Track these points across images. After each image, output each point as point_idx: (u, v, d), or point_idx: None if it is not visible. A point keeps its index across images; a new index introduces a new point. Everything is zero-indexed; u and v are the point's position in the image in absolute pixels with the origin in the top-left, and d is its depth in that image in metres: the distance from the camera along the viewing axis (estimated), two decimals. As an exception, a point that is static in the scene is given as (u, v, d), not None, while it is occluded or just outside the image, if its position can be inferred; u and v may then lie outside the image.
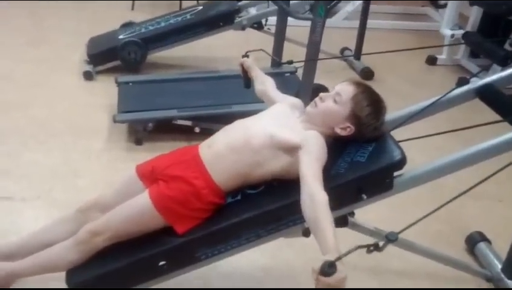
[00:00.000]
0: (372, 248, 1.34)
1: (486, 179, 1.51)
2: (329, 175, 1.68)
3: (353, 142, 1.80)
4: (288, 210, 1.71)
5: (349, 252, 1.29)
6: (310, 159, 1.64)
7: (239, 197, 1.79)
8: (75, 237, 1.78)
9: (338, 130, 1.76)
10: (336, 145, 1.78)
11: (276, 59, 3.51)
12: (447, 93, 1.95)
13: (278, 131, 1.74)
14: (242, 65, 2.19)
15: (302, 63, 3.11)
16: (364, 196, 1.72)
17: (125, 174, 1.93)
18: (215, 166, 1.75)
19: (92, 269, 1.77)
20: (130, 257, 1.74)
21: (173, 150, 1.93)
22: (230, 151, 1.75)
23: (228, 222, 1.73)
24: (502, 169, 1.54)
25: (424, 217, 1.47)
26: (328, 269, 1.29)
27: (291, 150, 1.70)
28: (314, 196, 1.52)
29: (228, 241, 1.74)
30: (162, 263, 1.72)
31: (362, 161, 1.73)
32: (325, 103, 1.78)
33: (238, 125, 1.86)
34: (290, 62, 2.40)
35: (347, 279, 1.31)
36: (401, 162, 1.71)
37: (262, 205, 1.74)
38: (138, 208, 1.75)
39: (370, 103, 1.76)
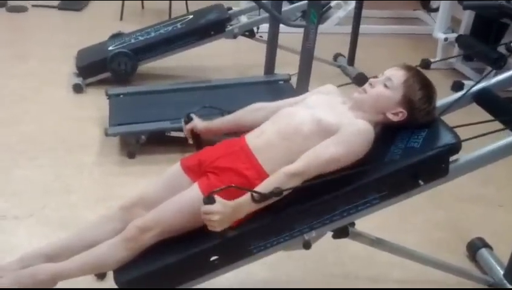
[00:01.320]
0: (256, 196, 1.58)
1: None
2: (383, 162, 1.67)
3: (405, 128, 1.77)
4: (342, 200, 1.69)
5: (221, 190, 1.56)
6: (332, 142, 1.64)
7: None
8: (122, 234, 1.74)
9: (390, 116, 1.74)
10: (388, 133, 1.76)
11: (270, 60, 3.48)
12: (453, 101, 1.92)
13: (326, 116, 1.72)
14: (191, 131, 2.10)
15: (296, 70, 3.07)
16: (421, 182, 1.68)
17: (169, 169, 1.91)
18: (266, 155, 1.73)
19: (141, 267, 1.74)
20: (181, 252, 1.71)
21: (217, 143, 1.91)
22: (281, 139, 1.74)
23: (281, 213, 1.70)
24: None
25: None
26: (206, 199, 1.55)
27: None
28: (286, 166, 1.61)
29: (281, 233, 1.71)
30: (214, 257, 1.69)
31: (417, 147, 1.70)
32: (375, 89, 1.77)
33: (285, 113, 1.83)
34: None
35: (220, 219, 1.54)
36: (457, 147, 1.67)
37: (315, 195, 1.69)
38: (188, 202, 1.72)
39: (422, 87, 1.75)
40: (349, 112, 1.77)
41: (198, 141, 2.09)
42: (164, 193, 1.81)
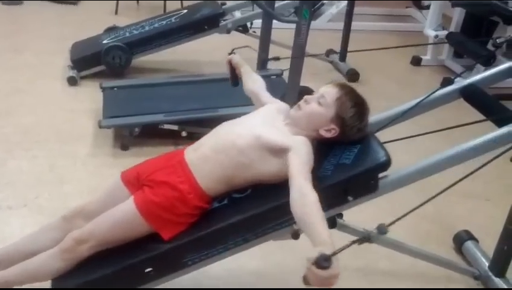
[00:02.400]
0: (363, 240, 1.40)
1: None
2: (315, 177, 1.67)
3: (339, 144, 1.81)
4: (275, 213, 1.71)
5: (345, 247, 1.30)
6: (300, 161, 1.63)
7: (225, 202, 1.78)
8: (60, 245, 1.75)
9: (323, 132, 1.76)
10: (322, 148, 1.78)
11: (263, 55, 3.51)
12: (431, 94, 1.96)
13: (266, 131, 1.74)
14: (229, 62, 2.19)
15: (288, 66, 3.10)
16: (350, 198, 1.73)
17: (110, 181, 1.91)
18: (201, 169, 1.74)
19: (77, 277, 1.75)
20: (116, 264, 1.73)
21: (159, 155, 1.92)
22: (215, 153, 1.74)
23: (215, 226, 1.72)
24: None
25: (413, 210, 1.52)
26: (324, 262, 1.28)
27: (279, 151, 1.69)
28: (304, 193, 1.52)
29: (215, 246, 1.73)
30: (148, 269, 1.71)
31: (348, 163, 1.73)
32: (309, 106, 1.78)
33: (224, 127, 1.86)
34: (277, 58, 2.40)
35: (338, 279, 1.29)
36: (386, 164, 1.71)
37: (249, 208, 1.73)
38: (123, 215, 1.73)
39: (354, 105, 1.77)
40: (286, 128, 1.79)
41: (233, 74, 2.20)
42: (104, 205, 1.81)
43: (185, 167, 1.76)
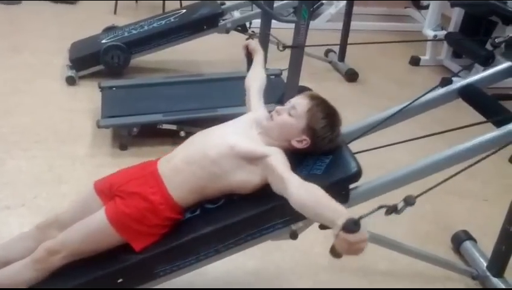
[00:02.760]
0: (390, 210, 1.36)
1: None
2: None
3: (311, 155, 1.80)
4: (247, 225, 1.71)
5: (372, 212, 1.30)
6: (283, 163, 1.65)
7: (198, 212, 1.77)
8: (32, 255, 1.74)
9: (294, 143, 1.76)
10: (294, 159, 1.77)
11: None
12: (428, 92, 1.96)
13: (240, 141, 1.74)
14: (246, 47, 2.19)
15: (287, 66, 3.11)
16: None
17: (84, 190, 1.90)
18: (173, 180, 1.73)
19: (50, 288, 1.75)
20: (88, 275, 1.72)
21: (133, 165, 1.91)
22: (187, 163, 1.73)
23: (186, 237, 1.71)
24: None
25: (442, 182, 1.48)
26: (353, 225, 1.29)
27: (255, 160, 1.69)
28: (303, 185, 1.53)
29: (187, 257, 1.72)
30: (120, 280, 1.71)
31: (319, 174, 1.72)
32: (281, 117, 1.78)
33: (198, 137, 1.85)
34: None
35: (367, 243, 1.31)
36: (357, 175, 1.71)
37: (221, 220, 1.72)
38: (95, 226, 1.72)
39: (325, 116, 1.76)
40: (259, 137, 1.79)
41: (249, 59, 2.18)
42: (78, 214, 1.80)
43: (157, 178, 1.75)
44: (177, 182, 1.73)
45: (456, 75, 2.01)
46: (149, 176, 1.77)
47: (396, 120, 1.98)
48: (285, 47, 2.51)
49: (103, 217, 1.70)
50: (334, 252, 1.34)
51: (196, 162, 1.72)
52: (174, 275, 1.74)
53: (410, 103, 1.95)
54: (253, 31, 2.23)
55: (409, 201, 1.40)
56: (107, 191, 1.81)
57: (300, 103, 1.78)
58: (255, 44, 2.18)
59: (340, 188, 1.71)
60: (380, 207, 1.32)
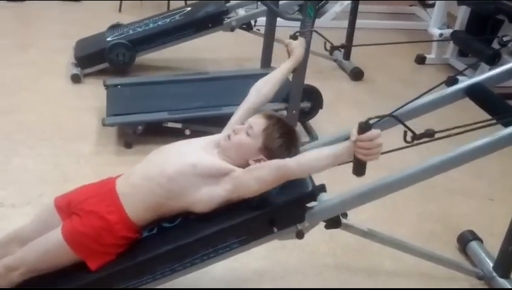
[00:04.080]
0: (409, 138, 1.56)
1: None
2: (240, 208, 1.69)
3: None
4: (203, 244, 1.71)
5: (382, 117, 1.59)
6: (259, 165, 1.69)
7: (154, 231, 1.77)
8: None
9: (251, 163, 1.75)
10: None
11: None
12: (432, 89, 1.96)
13: (202, 159, 1.73)
14: (287, 46, 2.17)
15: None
16: (275, 229, 1.73)
17: (44, 206, 1.89)
18: (130, 199, 1.72)
19: (48, 288, 1.75)
20: None
21: (92, 182, 1.90)
22: (144, 181, 1.72)
23: (142, 257, 1.72)
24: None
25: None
26: (365, 125, 1.48)
27: (220, 176, 1.69)
28: (295, 157, 1.64)
29: (143, 276, 1.73)
30: None
31: (274, 194, 1.72)
32: (238, 136, 1.78)
33: (156, 154, 1.83)
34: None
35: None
36: (312, 194, 1.73)
37: (177, 239, 1.72)
38: (51, 244, 1.71)
39: (281, 135, 1.77)
40: (218, 156, 1.78)
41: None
42: (38, 231, 1.79)
43: (114, 196, 1.73)
44: (134, 200, 1.72)
45: (461, 73, 2.00)
46: (107, 193, 1.75)
47: (403, 118, 1.96)
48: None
49: (59, 236, 1.70)
50: (357, 168, 1.54)
51: (154, 179, 1.71)
52: None
53: (414, 99, 1.95)
54: (296, 34, 2.16)
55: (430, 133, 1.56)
56: (66, 208, 1.79)
57: (257, 123, 1.79)
58: (295, 45, 2.13)
59: (296, 207, 1.74)
60: (394, 116, 1.62)
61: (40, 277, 1.74)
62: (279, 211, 1.72)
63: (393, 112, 1.70)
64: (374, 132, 1.49)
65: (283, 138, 1.77)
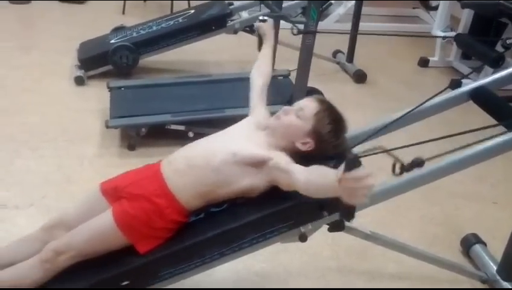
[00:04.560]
0: (398, 169, 1.34)
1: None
2: (290, 193, 1.67)
3: (314, 159, 1.78)
4: (251, 228, 1.71)
5: (371, 153, 1.29)
6: (285, 161, 1.66)
7: (202, 216, 1.78)
8: (39, 255, 1.74)
9: (298, 145, 1.75)
10: (297, 162, 1.75)
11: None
12: (438, 94, 1.95)
13: (242, 147, 1.73)
14: (259, 29, 2.20)
15: (295, 67, 3.10)
16: (326, 213, 1.73)
17: (89, 191, 1.90)
18: (177, 183, 1.73)
19: (57, 288, 1.75)
20: (93, 277, 1.72)
21: (137, 167, 1.91)
22: (190, 168, 1.73)
23: (191, 241, 1.71)
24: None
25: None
26: (353, 161, 1.22)
27: (258, 164, 1.69)
28: (308, 168, 1.55)
29: (191, 260, 1.72)
30: (125, 283, 1.71)
31: None
32: (288, 117, 1.78)
33: (200, 142, 1.85)
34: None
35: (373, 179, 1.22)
36: None
37: (225, 223, 1.72)
38: (101, 227, 1.72)
39: (331, 121, 1.76)
40: (264, 139, 1.79)
41: (260, 42, 2.20)
42: (83, 215, 1.80)
43: (161, 180, 1.74)
44: (182, 186, 1.72)
45: (466, 77, 2.00)
46: (153, 177, 1.76)
47: (406, 122, 1.97)
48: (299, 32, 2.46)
49: (109, 219, 1.70)
50: (343, 211, 1.36)
51: (199, 167, 1.72)
52: (178, 277, 1.74)
53: (420, 105, 1.94)
54: (265, 18, 2.20)
55: (418, 162, 1.37)
56: (113, 192, 1.81)
57: (308, 106, 1.78)
58: (266, 27, 2.17)
59: None
60: (383, 151, 1.32)
61: (88, 261, 1.74)
62: None
63: (391, 120, 1.65)
64: (362, 171, 1.23)
65: (333, 124, 1.76)
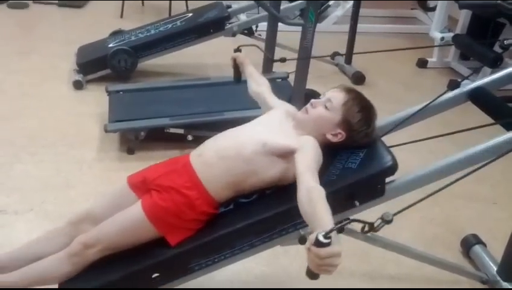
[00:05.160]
0: (367, 228, 1.34)
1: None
2: (321, 182, 1.65)
3: (344, 148, 1.80)
4: (281, 219, 1.70)
5: (342, 224, 1.26)
6: (307, 159, 1.63)
7: (231, 207, 1.78)
8: (67, 249, 1.75)
9: (329, 137, 1.76)
10: (327, 152, 1.76)
11: (269, 56, 3.49)
12: (439, 96, 1.95)
13: (271, 138, 1.73)
14: (234, 60, 2.21)
15: (294, 69, 3.11)
16: (357, 203, 1.72)
17: (117, 185, 1.91)
18: (207, 175, 1.73)
19: (84, 282, 1.74)
20: (123, 269, 1.72)
21: (164, 160, 1.91)
22: (221, 160, 1.73)
23: (221, 232, 1.71)
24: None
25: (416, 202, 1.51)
26: (323, 238, 1.17)
27: (287, 155, 1.68)
28: (311, 189, 1.47)
29: (221, 251, 1.72)
30: (155, 275, 1.70)
31: (353, 168, 1.72)
32: (316, 110, 1.78)
33: (229, 133, 1.85)
34: (283, 60, 2.42)
35: (341, 259, 1.19)
36: (392, 168, 1.71)
37: (255, 214, 1.72)
38: (131, 219, 1.73)
39: (361, 109, 1.77)
40: (293, 131, 1.79)
41: (237, 71, 2.24)
42: (111, 209, 1.80)
43: (191, 172, 1.75)
44: (212, 177, 1.73)
45: (466, 78, 2.00)
46: (183, 170, 1.77)
47: (405, 123, 1.98)
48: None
49: (139, 211, 1.71)
50: (310, 272, 1.24)
51: (230, 159, 1.72)
52: (208, 269, 1.75)
53: (423, 108, 1.95)
54: (239, 48, 2.26)
55: (386, 219, 1.37)
56: (141, 185, 1.81)
57: (336, 96, 1.79)
58: (242, 57, 2.19)
59: (376, 181, 1.72)
60: (352, 220, 1.30)
61: (116, 255, 1.74)
62: (360, 185, 1.70)
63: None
64: (329, 251, 1.17)
65: (363, 113, 1.77)
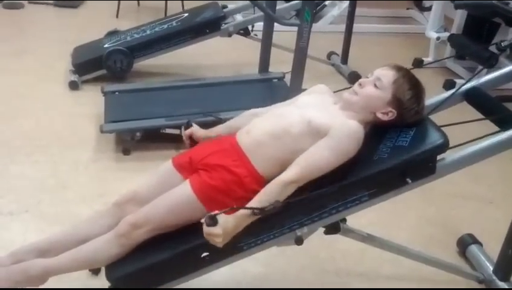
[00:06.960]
0: (256, 211, 1.58)
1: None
2: (371, 161, 1.69)
3: (393, 127, 1.80)
4: (332, 197, 1.71)
5: (224, 211, 1.54)
6: (325, 146, 1.65)
7: None
8: (115, 230, 1.75)
9: (380, 115, 1.76)
10: (377, 131, 1.77)
11: (264, 58, 3.48)
12: (439, 101, 1.95)
13: (317, 116, 1.74)
14: (190, 137, 2.06)
15: (290, 69, 3.10)
16: (409, 180, 1.71)
17: (161, 166, 1.91)
18: (256, 153, 1.75)
19: (133, 263, 1.75)
20: (173, 249, 1.73)
21: (208, 140, 1.93)
22: (270, 137, 1.74)
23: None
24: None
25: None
26: (208, 220, 1.53)
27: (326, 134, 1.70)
28: (278, 179, 1.62)
29: (271, 230, 1.73)
30: (204, 254, 1.71)
31: (405, 146, 1.72)
32: (365, 89, 1.78)
33: (275, 113, 1.85)
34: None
35: (221, 239, 1.55)
36: (444, 146, 1.70)
37: (305, 192, 1.70)
38: (180, 199, 1.73)
39: (411, 87, 1.77)
40: (341, 111, 1.79)
41: (193, 144, 2.07)
42: (157, 189, 1.81)
43: (239, 151, 1.76)
44: (260, 155, 1.74)
45: (467, 82, 2.00)
46: (230, 148, 1.78)
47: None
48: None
49: (188, 190, 1.72)
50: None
51: (279, 137, 1.73)
52: (258, 248, 1.75)
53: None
54: (189, 123, 2.11)
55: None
56: (187, 165, 1.83)
57: (385, 74, 1.79)
58: (197, 129, 2.06)
59: (428, 159, 1.71)
60: (238, 208, 1.59)
61: (164, 236, 1.75)
62: (411, 162, 1.69)
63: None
64: (209, 230, 1.54)
65: (413, 90, 1.77)
